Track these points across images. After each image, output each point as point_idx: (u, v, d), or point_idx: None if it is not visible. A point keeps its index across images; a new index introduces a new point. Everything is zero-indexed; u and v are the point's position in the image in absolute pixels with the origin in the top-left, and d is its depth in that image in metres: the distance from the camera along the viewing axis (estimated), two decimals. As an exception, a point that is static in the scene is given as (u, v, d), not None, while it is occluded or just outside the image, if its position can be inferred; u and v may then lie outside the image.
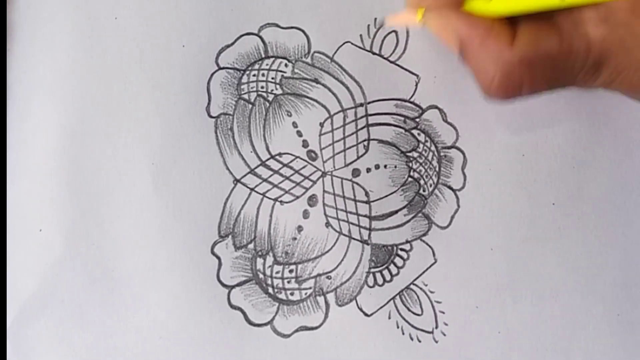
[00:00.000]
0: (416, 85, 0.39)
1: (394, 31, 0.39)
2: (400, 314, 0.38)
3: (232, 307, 0.38)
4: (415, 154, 0.39)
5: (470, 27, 0.32)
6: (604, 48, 0.31)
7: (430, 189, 0.39)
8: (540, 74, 0.32)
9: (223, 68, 0.39)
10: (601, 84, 0.32)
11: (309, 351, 0.38)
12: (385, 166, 0.39)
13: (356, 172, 0.39)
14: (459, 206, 0.39)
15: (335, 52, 0.39)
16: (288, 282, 0.38)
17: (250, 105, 0.39)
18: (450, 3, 0.33)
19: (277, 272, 0.39)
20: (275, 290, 0.38)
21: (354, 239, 0.39)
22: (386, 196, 0.39)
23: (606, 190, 0.39)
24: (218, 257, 0.38)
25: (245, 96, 0.39)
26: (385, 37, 0.39)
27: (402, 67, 0.39)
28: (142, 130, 0.39)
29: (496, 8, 0.32)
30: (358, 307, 0.38)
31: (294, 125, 0.39)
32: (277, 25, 0.39)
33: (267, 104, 0.39)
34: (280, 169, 0.39)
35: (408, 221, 0.39)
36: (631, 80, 0.32)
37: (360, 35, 0.39)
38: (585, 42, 0.31)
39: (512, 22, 0.32)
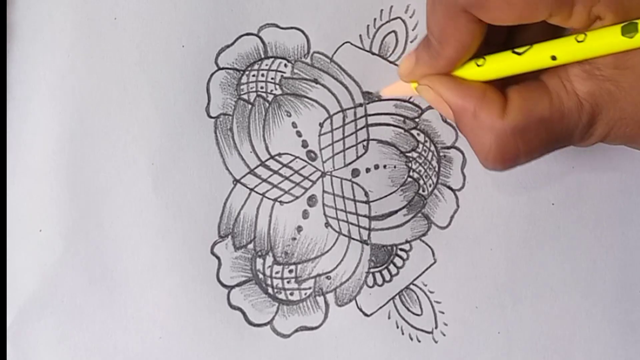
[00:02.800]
0: (416, 85, 0.39)
1: (393, 31, 0.39)
2: (399, 314, 0.38)
3: (232, 307, 0.38)
4: (415, 154, 0.39)
5: (462, 99, 0.32)
6: (594, 103, 0.30)
7: (430, 189, 0.39)
8: (536, 139, 0.31)
9: (222, 68, 0.39)
10: (598, 139, 0.32)
11: (308, 351, 0.38)
12: (384, 166, 0.39)
13: (356, 172, 0.39)
14: (458, 206, 0.39)
15: (335, 53, 0.39)
16: (288, 282, 0.39)
17: (249, 106, 0.39)
18: (440, 71, 0.33)
19: (277, 272, 0.39)
20: (275, 290, 0.38)
21: (353, 239, 0.39)
22: (386, 196, 0.39)
23: (606, 190, 0.39)
24: (218, 257, 0.38)
25: (245, 96, 0.39)
26: (384, 38, 0.39)
27: (402, 67, 0.39)
28: (142, 130, 0.39)
29: (487, 72, 0.32)
30: (358, 307, 0.38)
31: (294, 125, 0.39)
32: (277, 26, 0.39)
33: (267, 104, 0.39)
34: (279, 169, 0.39)
35: (407, 221, 0.39)
36: (624, 133, 0.31)
37: (360, 36, 0.39)
38: (575, 100, 0.30)
39: (503, 84, 0.32)
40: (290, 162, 0.39)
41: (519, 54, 0.31)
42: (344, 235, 0.39)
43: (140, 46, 0.39)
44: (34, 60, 0.39)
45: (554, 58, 0.31)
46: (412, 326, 0.38)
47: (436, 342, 0.38)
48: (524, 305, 0.39)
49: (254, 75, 0.39)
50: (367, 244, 0.39)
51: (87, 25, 0.39)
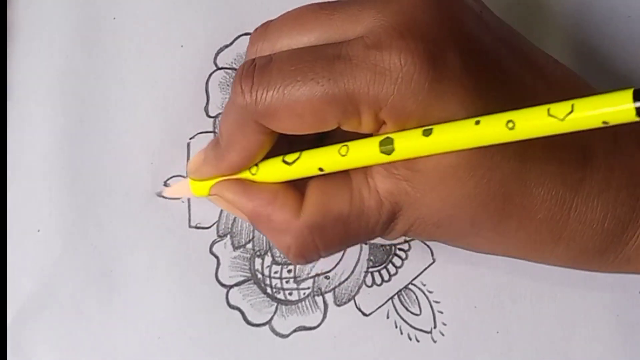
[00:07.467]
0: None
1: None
2: (398, 313, 0.38)
3: (231, 306, 0.38)
4: (414, 154, 0.39)
5: (253, 203, 0.31)
6: (394, 201, 0.30)
7: (429, 189, 0.39)
8: (334, 235, 0.31)
9: (221, 68, 0.39)
10: (399, 234, 0.32)
11: (307, 351, 0.38)
12: (383, 166, 0.39)
13: (354, 172, 0.39)
14: (457, 206, 0.39)
15: (334, 52, 0.39)
16: (286, 281, 0.38)
17: (248, 105, 0.39)
18: (223, 173, 0.32)
19: (276, 272, 0.39)
20: (274, 290, 0.38)
21: (352, 238, 0.39)
22: (384, 196, 0.39)
23: (605, 189, 0.39)
24: (216, 257, 0.38)
25: (244, 96, 0.39)
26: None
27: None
28: (141, 130, 0.39)
29: (262, 178, 0.32)
30: (356, 307, 0.38)
31: (292, 125, 0.39)
32: (276, 25, 0.39)
33: (266, 104, 0.39)
34: (278, 168, 0.39)
35: (406, 221, 0.39)
36: (424, 231, 0.31)
37: (359, 35, 0.39)
38: (375, 197, 0.30)
39: (303, 181, 0.31)
40: (289, 161, 0.39)
41: (288, 163, 0.31)
42: (343, 234, 0.39)
43: (139, 46, 0.39)
44: (34, 60, 0.39)
45: (321, 169, 0.30)
46: (410, 326, 0.38)
47: (435, 341, 0.38)
48: (523, 305, 0.38)
49: (252, 75, 0.39)
50: (365, 244, 0.39)
51: (86, 25, 0.39)
